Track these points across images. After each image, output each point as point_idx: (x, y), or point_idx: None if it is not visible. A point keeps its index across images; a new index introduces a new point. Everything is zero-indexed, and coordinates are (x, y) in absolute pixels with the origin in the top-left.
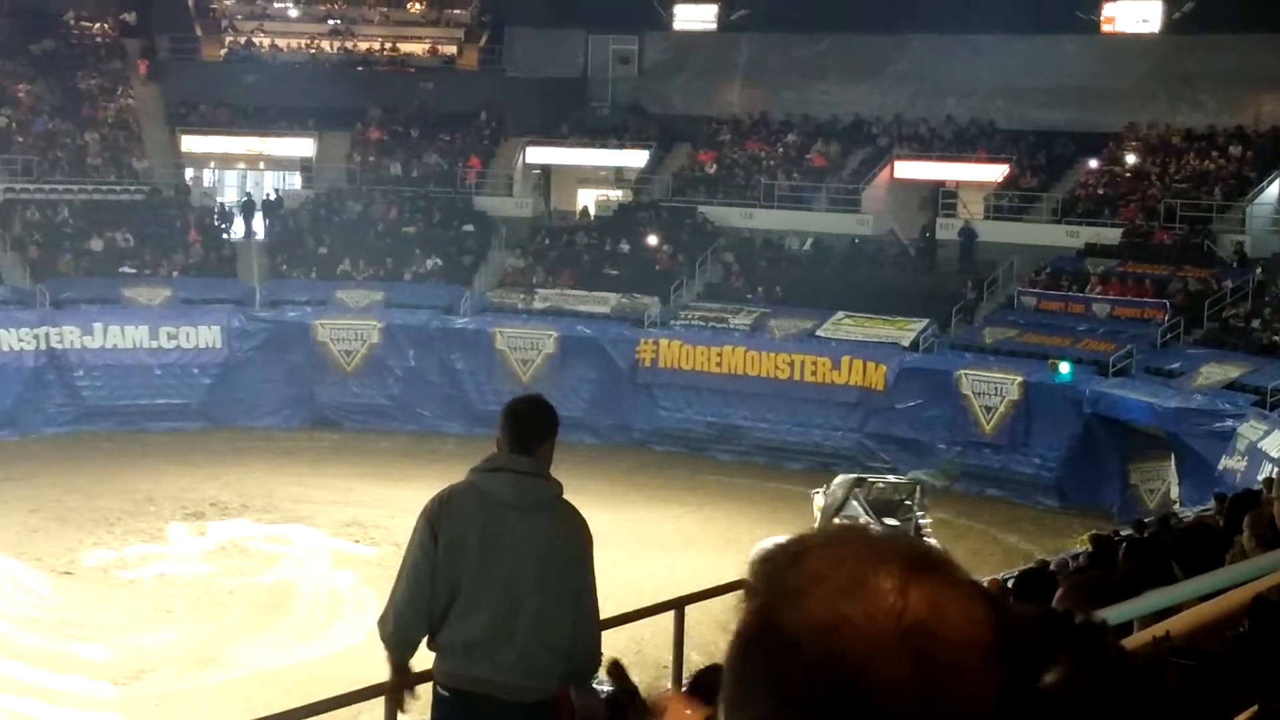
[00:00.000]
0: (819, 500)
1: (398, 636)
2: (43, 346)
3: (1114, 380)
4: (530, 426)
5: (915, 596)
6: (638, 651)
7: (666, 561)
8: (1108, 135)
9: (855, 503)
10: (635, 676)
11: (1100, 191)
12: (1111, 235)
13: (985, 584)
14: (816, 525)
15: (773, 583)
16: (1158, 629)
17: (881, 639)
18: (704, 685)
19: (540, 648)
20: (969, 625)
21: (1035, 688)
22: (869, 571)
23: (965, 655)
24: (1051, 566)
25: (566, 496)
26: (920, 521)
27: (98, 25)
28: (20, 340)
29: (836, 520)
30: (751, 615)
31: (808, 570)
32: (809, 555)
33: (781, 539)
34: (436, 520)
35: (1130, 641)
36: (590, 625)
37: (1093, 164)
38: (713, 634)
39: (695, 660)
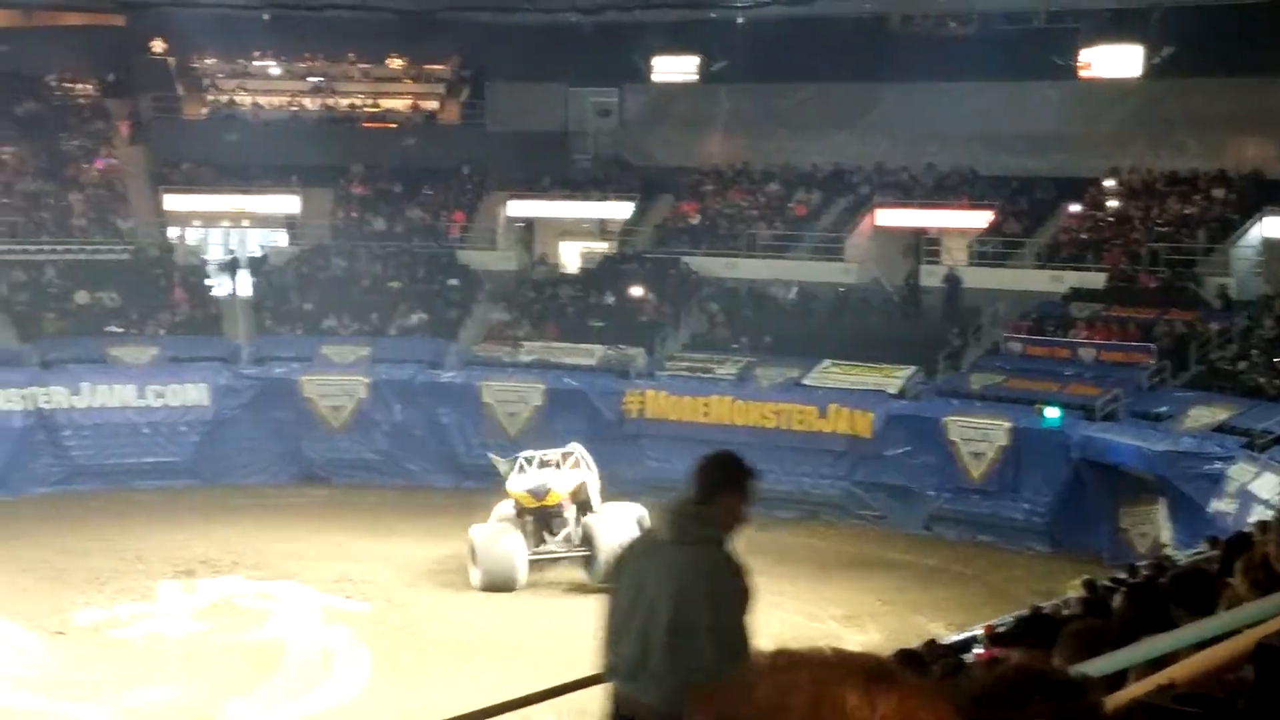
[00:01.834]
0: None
1: (601, 664)
2: (31, 407)
3: (1102, 424)
4: (704, 476)
5: (884, 708)
6: None
7: None
8: (1089, 180)
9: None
10: None
11: (1083, 236)
12: (1096, 279)
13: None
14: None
15: (744, 693)
16: (1161, 677)
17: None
18: None
19: (675, 676)
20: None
21: None
22: (831, 693)
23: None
24: (1045, 611)
25: None
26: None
27: (80, 86)
28: (8, 401)
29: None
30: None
31: (762, 703)
32: (760, 686)
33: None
34: (620, 555)
35: (1131, 690)
36: (727, 665)
37: (1075, 209)
38: None
39: None
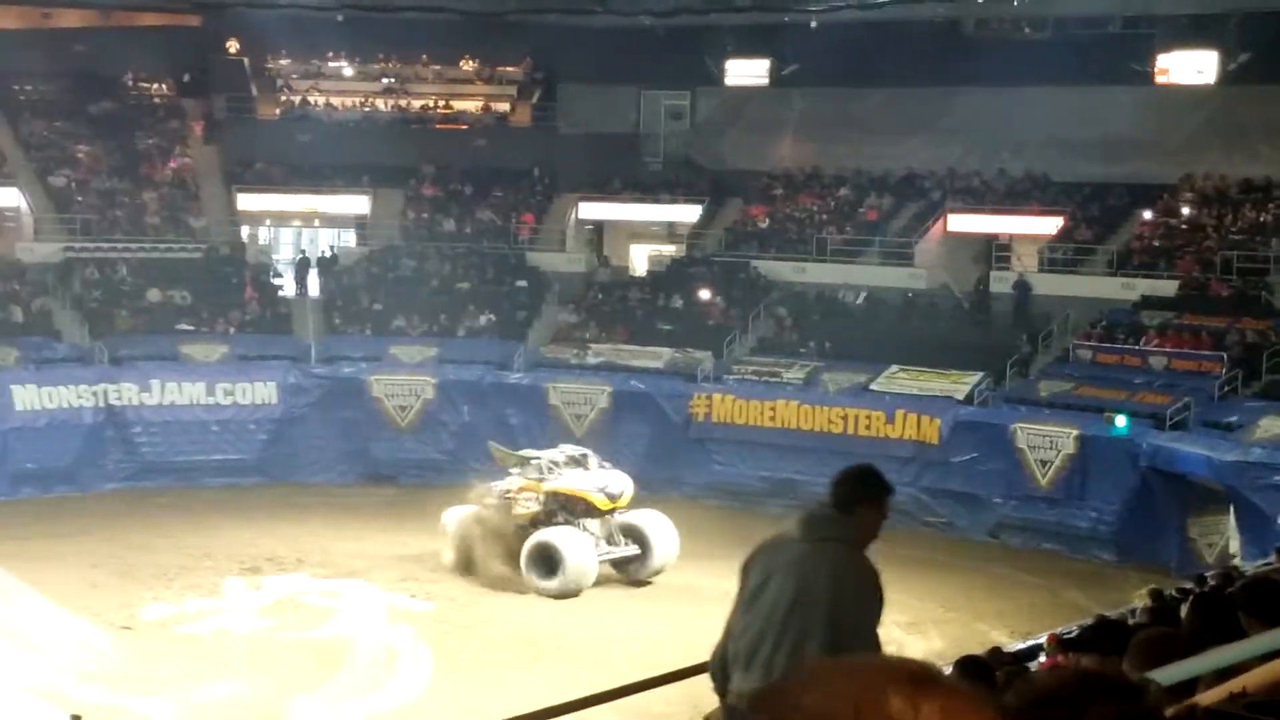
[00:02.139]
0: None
1: (716, 654)
2: (101, 403)
3: (1171, 434)
4: (843, 488)
5: (928, 711)
6: (694, 705)
7: (723, 616)
8: (1163, 187)
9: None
10: None
11: (1156, 243)
12: (1168, 287)
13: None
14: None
15: (791, 697)
16: (1233, 684)
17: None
18: None
19: (783, 668)
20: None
21: None
22: (876, 697)
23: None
24: (1113, 619)
25: None
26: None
27: (156, 86)
28: (79, 397)
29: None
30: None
31: (811, 710)
32: (808, 694)
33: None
34: (750, 553)
35: (1202, 697)
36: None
37: (1148, 216)
38: None
39: None
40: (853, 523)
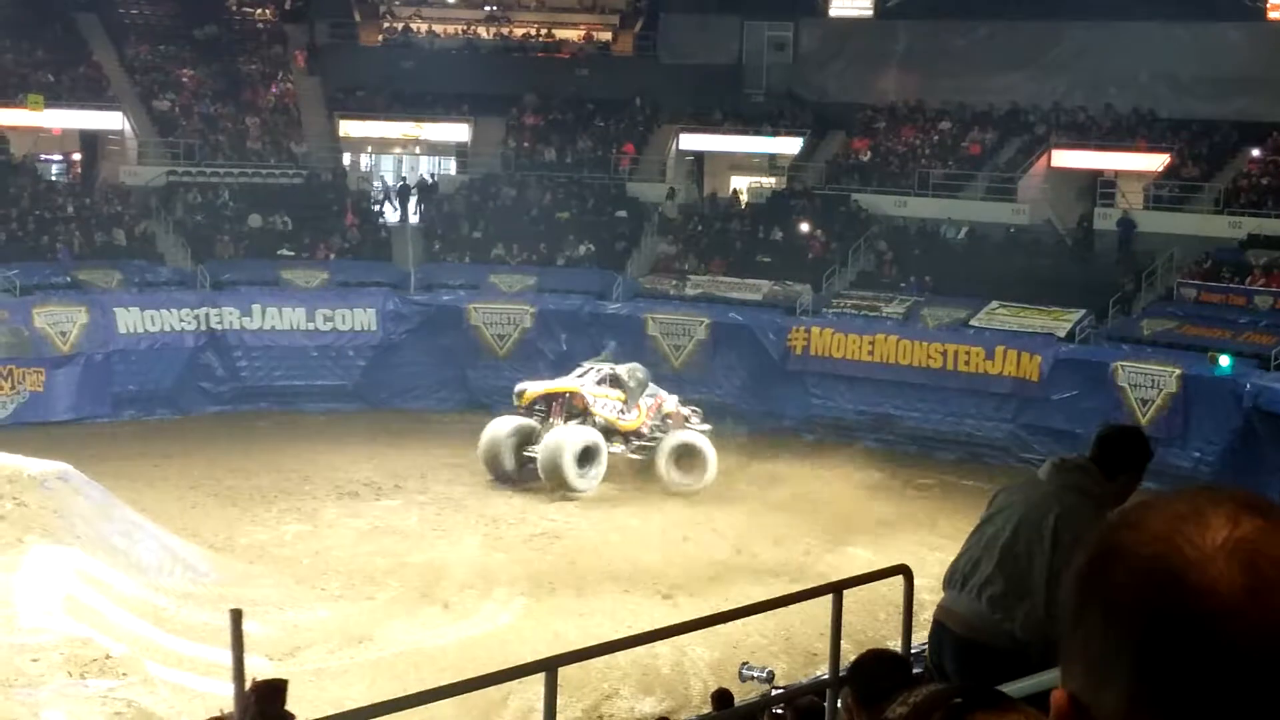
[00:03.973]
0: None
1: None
2: (203, 327)
3: (1276, 374)
4: (1111, 449)
5: (1246, 524)
6: (787, 639)
7: (813, 549)
8: (1273, 125)
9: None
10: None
11: (1264, 181)
12: (1275, 226)
13: None
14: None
15: (1117, 518)
16: None
17: (1209, 549)
18: (864, 671)
19: (983, 598)
20: None
21: None
22: (1205, 507)
23: None
24: None
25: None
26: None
27: (259, 10)
28: (181, 321)
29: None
30: (1093, 543)
31: (1149, 507)
32: (1153, 503)
33: None
34: (1004, 486)
35: None
36: (1037, 608)
37: (1256, 153)
38: (863, 622)
39: (845, 649)
40: (1111, 487)
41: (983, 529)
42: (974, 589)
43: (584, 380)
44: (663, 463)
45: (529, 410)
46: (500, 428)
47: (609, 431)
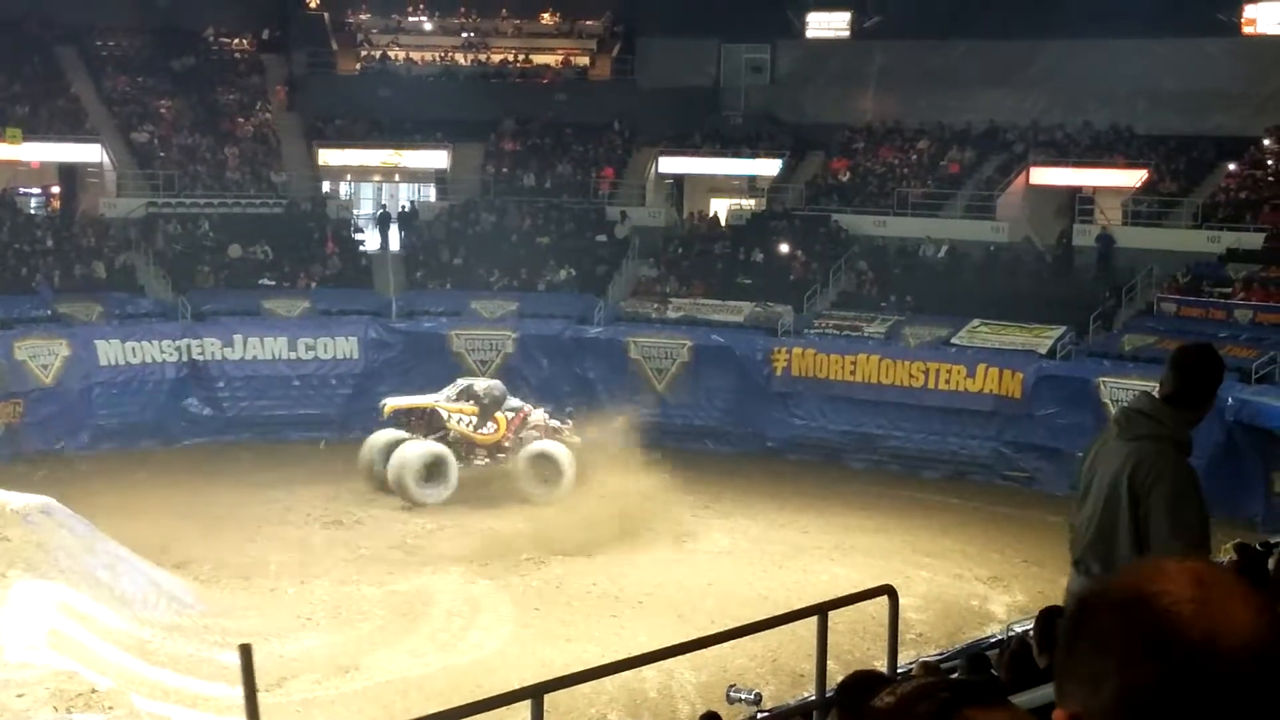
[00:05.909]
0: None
1: None
2: (184, 358)
3: (1257, 387)
4: (1190, 376)
5: (1196, 563)
6: (774, 660)
7: (801, 569)
8: (1250, 140)
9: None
10: (770, 686)
11: (1242, 196)
12: (1253, 240)
13: None
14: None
15: (1093, 583)
16: None
17: (1170, 580)
18: (851, 692)
19: (1088, 550)
20: (1235, 574)
21: None
22: (1165, 564)
23: (1236, 585)
24: None
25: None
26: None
27: (236, 41)
28: (163, 352)
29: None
30: (1077, 596)
31: (1121, 572)
32: (1123, 569)
33: None
34: (1087, 448)
35: None
36: (1128, 556)
37: (1233, 168)
38: (850, 642)
39: (832, 670)
40: (1187, 416)
41: (1083, 501)
42: (1084, 566)
43: (439, 396)
44: (519, 471)
45: (396, 423)
46: (376, 440)
47: (471, 445)
